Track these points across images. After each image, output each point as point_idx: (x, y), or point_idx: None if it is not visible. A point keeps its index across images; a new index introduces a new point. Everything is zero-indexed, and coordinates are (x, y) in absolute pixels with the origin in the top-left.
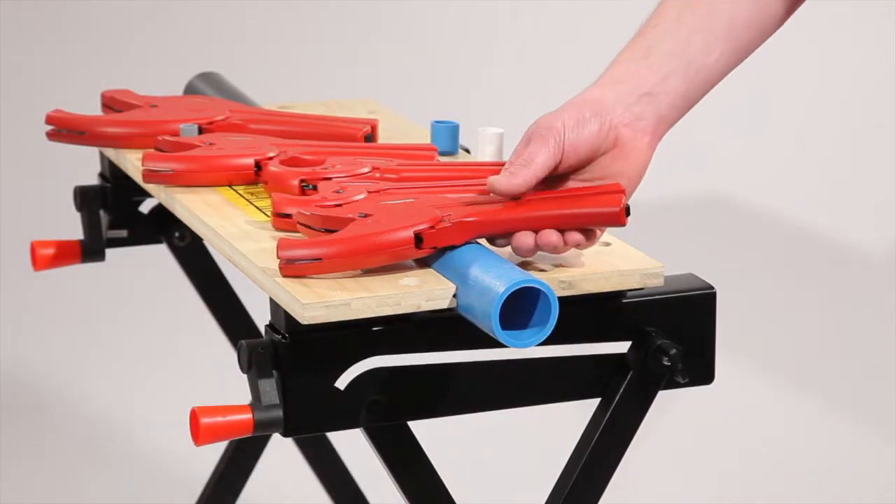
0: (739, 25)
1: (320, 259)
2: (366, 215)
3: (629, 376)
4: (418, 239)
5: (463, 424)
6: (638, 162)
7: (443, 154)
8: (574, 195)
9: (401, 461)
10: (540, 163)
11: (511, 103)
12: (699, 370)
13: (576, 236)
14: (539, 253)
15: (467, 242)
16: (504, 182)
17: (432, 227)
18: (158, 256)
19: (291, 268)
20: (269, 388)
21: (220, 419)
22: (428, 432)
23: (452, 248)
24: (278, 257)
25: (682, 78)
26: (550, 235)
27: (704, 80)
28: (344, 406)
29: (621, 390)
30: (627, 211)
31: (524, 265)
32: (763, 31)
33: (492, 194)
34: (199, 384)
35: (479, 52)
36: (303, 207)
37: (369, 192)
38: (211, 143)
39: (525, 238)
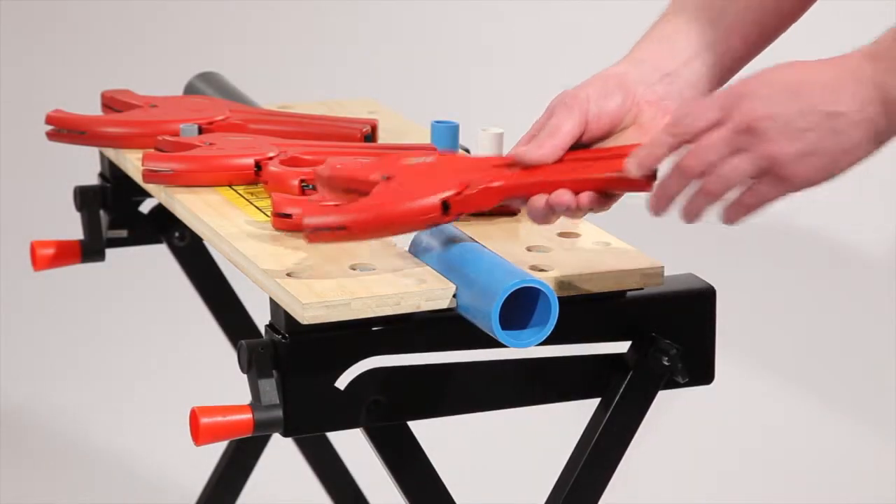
0: (764, 10)
1: (345, 228)
2: (388, 177)
3: (629, 376)
4: (445, 206)
5: (463, 424)
6: None
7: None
8: (601, 157)
9: (401, 461)
10: (566, 131)
11: (511, 103)
12: (699, 370)
13: (590, 196)
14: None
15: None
16: (532, 152)
17: (459, 194)
18: (158, 256)
19: (316, 235)
20: (269, 388)
21: (220, 419)
22: (428, 432)
23: (452, 248)
24: (303, 225)
25: (704, 61)
26: (563, 195)
27: (727, 65)
28: (344, 406)
29: (621, 390)
30: (654, 175)
31: (531, 268)
32: (787, 16)
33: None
34: (199, 384)
35: (479, 51)
36: (325, 169)
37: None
38: (211, 143)
39: (537, 200)
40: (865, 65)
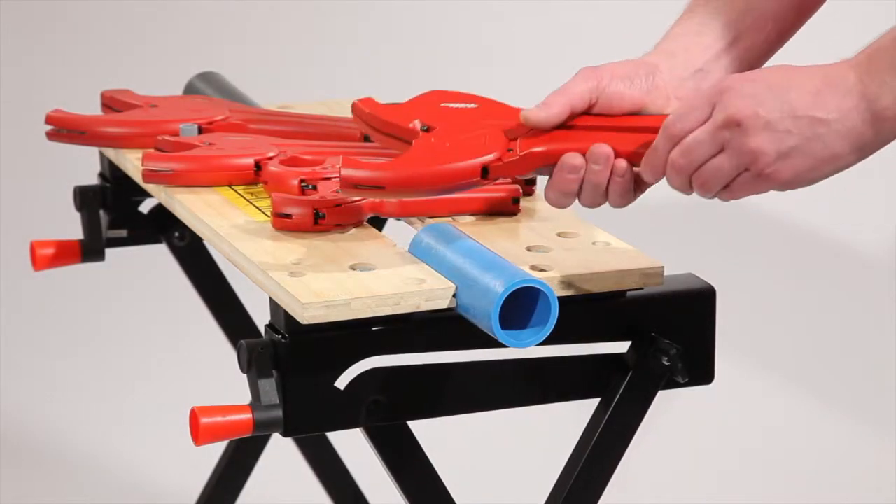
0: (786, 5)
1: (382, 188)
2: (429, 128)
3: (629, 376)
4: (485, 171)
5: (463, 424)
6: None
7: None
8: (637, 126)
9: (401, 461)
10: (576, 93)
11: (512, 103)
12: (699, 370)
13: (625, 166)
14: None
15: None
16: (537, 112)
17: (499, 160)
18: (158, 256)
19: (351, 189)
20: (269, 387)
21: (219, 419)
22: (428, 432)
23: (452, 247)
24: (341, 176)
25: (732, 56)
26: (602, 147)
27: (754, 59)
28: (344, 406)
29: (621, 390)
30: None
31: (531, 268)
32: (807, 10)
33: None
34: (198, 384)
35: (478, 51)
36: (370, 107)
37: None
38: (211, 143)
39: (572, 157)
40: (852, 75)
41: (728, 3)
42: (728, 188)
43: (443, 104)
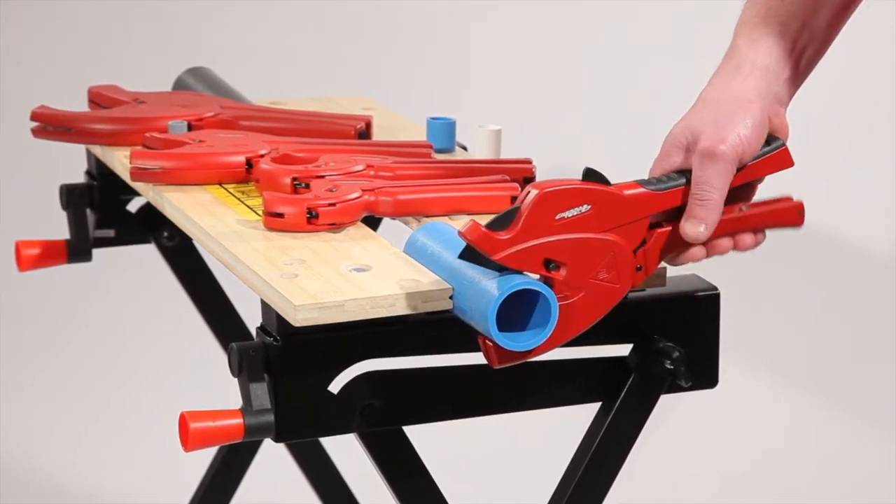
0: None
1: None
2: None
3: (630, 380)
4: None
5: (460, 429)
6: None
7: (439, 151)
8: (755, 215)
9: (396, 467)
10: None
11: (509, 99)
12: (703, 374)
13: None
14: None
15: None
16: (700, 232)
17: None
18: (147, 257)
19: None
20: (261, 392)
21: (210, 424)
22: (423, 437)
23: (449, 248)
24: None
25: (788, 66)
26: (723, 243)
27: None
28: (337, 411)
29: (622, 395)
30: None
31: None
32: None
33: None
34: (188, 388)
35: (476, 46)
36: None
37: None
38: (201, 141)
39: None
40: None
41: (771, 13)
42: None
43: (558, 215)
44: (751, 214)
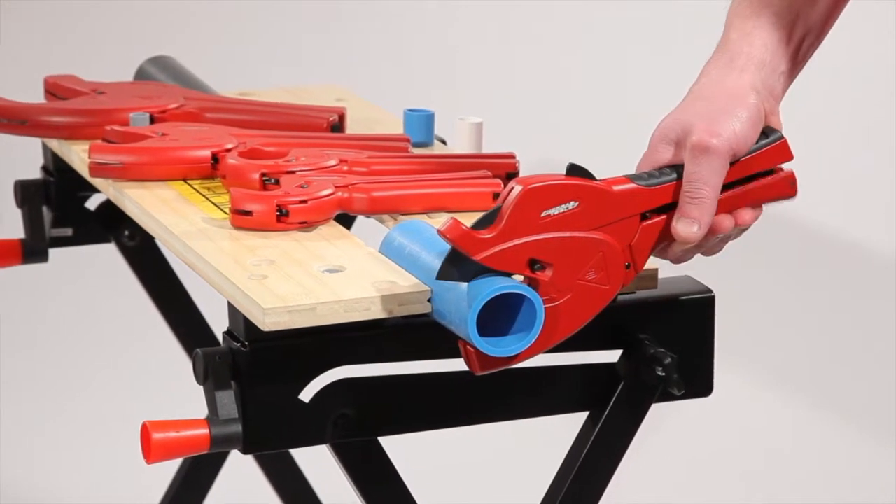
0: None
1: None
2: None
3: (620, 388)
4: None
5: (438, 440)
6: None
7: (417, 145)
8: (748, 190)
9: (371, 480)
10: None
11: (491, 90)
12: (696, 381)
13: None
14: None
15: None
16: (693, 231)
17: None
18: (106, 257)
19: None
20: (227, 400)
21: (173, 434)
22: (399, 448)
23: (428, 248)
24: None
25: (784, 58)
26: (724, 221)
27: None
28: (309, 421)
29: (611, 403)
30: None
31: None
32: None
33: None
34: (150, 397)
35: (456, 34)
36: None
37: None
38: (164, 134)
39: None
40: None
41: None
42: None
43: (544, 212)
44: (745, 190)
